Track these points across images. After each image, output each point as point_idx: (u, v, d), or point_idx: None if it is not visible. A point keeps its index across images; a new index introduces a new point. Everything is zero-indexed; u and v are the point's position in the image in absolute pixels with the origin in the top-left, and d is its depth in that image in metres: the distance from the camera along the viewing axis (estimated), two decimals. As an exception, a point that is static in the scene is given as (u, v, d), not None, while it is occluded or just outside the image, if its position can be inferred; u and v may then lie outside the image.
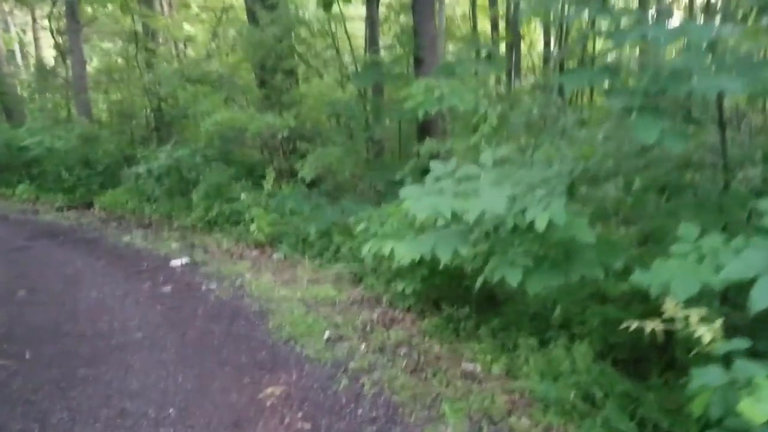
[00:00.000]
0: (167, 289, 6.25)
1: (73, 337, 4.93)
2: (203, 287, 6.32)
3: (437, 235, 3.64)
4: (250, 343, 4.78)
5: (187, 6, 16.84)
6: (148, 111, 13.11)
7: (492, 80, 7.17)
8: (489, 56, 7.94)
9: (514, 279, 3.40)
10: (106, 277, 6.77)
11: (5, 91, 14.74)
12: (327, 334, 4.86)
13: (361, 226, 6.04)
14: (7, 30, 21.41)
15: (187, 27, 16.12)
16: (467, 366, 4.10)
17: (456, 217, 3.19)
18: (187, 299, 5.94)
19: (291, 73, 9.69)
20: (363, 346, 4.60)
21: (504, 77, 8.05)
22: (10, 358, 4.49)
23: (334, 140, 8.80)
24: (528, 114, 5.18)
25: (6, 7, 20.11)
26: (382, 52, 9.59)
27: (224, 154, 9.97)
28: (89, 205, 10.93)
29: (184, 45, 15.97)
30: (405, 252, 4.06)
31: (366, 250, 5.18)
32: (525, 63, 12.50)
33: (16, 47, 21.68)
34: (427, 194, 3.34)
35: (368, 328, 5.01)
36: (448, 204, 3.16)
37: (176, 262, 7.22)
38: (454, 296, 4.97)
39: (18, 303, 5.90)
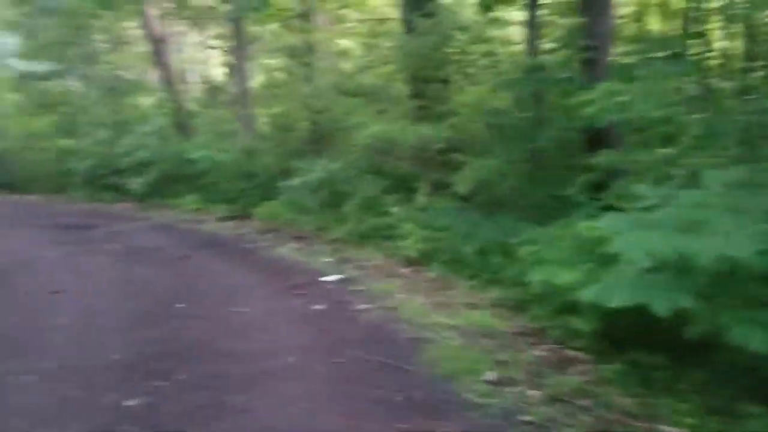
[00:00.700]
0: (319, 307, 6.02)
1: (225, 357, 4.78)
2: (355, 307, 6.02)
3: (647, 281, 2.96)
4: (404, 377, 4.34)
5: (343, 20, 17.09)
6: (306, 124, 13.31)
7: (679, 83, 6.27)
8: (677, 55, 6.99)
9: (761, 344, 2.62)
10: (260, 291, 6.70)
11: (178, 107, 15.71)
12: (491, 374, 4.30)
13: (527, 248, 5.43)
14: (180, 51, 23.10)
15: (342, 40, 16.33)
16: (668, 430, 3.36)
17: (678, 258, 2.52)
18: (338, 320, 5.66)
19: (446, 81, 9.27)
20: (534, 392, 3.99)
21: (694, 79, 7.08)
22: (163, 378, 4.40)
23: (491, 151, 8.24)
24: (739, 122, 4.31)
25: (180, 30, 21.67)
26: (544, 57, 8.89)
27: (375, 166, 9.77)
28: (247, 217, 11.21)
29: (340, 58, 16.15)
30: (597, 295, 3.42)
31: (534, 277, 4.57)
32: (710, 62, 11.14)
33: (188, 66, 23.30)
34: (637, 227, 2.70)
35: (538, 370, 4.39)
36: (668, 243, 2.50)
37: (328, 278, 7.02)
38: (643, 338, 4.20)
39: (175, 316, 5.93)
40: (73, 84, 18.98)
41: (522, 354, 4.70)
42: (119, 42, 19.32)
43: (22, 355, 5.01)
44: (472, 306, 5.90)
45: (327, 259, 7.92)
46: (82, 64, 18.39)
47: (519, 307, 5.73)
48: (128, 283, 7.29)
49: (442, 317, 5.57)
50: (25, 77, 19.69)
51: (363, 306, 6.01)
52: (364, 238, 8.45)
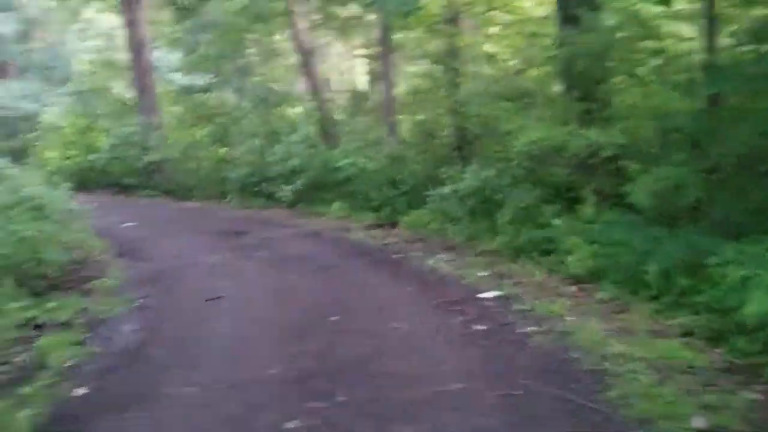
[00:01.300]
0: (480, 327, 5.53)
1: (385, 379, 4.43)
2: (519, 329, 5.47)
3: None
4: (592, 418, 3.74)
5: (491, 23, 16.55)
6: (451, 131, 12.91)
7: None
8: None
9: None
10: (414, 306, 6.33)
11: (324, 115, 15.91)
12: (699, 419, 3.60)
13: (732, 269, 4.61)
14: (326, 60, 23.65)
15: (490, 44, 15.80)
16: None
17: None
18: (502, 343, 5.14)
19: (610, 82, 8.47)
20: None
21: None
22: (322, 399, 4.11)
23: (667, 158, 7.33)
24: None
25: (326, 40, 22.16)
26: (725, 53, 7.83)
27: (532, 174, 9.12)
28: (394, 225, 10.96)
29: (488, 62, 15.62)
30: None
31: (751, 306, 3.80)
32: None
33: (333, 76, 23.78)
34: None
35: (757, 417, 3.63)
36: None
37: (486, 295, 6.52)
38: None
39: (329, 329, 5.70)
40: (228, 96, 19.95)
41: (732, 396, 3.94)
42: (270, 55, 20.06)
43: (182, 365, 4.97)
44: (657, 334, 5.15)
45: (481, 273, 7.41)
46: (236, 77, 19.28)
47: (716, 337, 4.92)
48: (280, 291, 7.22)
49: (624, 346, 4.87)
50: (186, 90, 21.02)
51: (529, 328, 5.44)
52: (520, 252, 7.85)
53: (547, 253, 7.57)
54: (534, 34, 12.43)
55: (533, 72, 11.74)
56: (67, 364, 5.02)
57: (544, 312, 5.84)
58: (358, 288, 7.22)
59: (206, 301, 6.82)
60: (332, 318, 5.99)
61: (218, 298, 6.89)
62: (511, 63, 14.02)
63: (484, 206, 9.08)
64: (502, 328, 5.50)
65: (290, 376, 4.60)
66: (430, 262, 8.21)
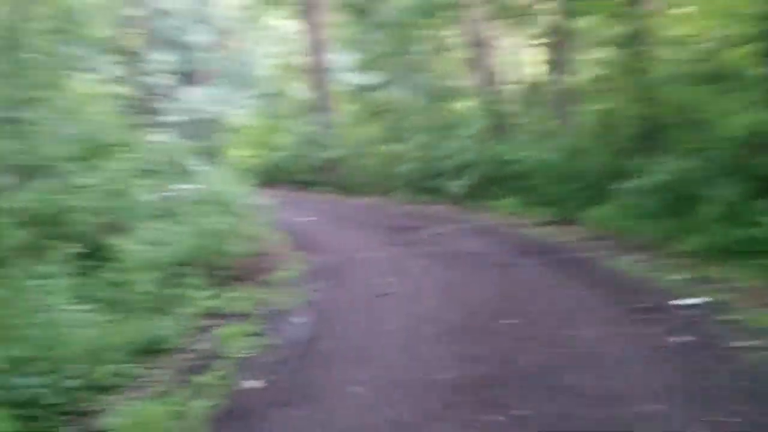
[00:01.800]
0: (679, 339, 4.80)
1: (571, 394, 3.93)
2: (728, 343, 4.67)
3: None
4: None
5: (681, 2, 14.99)
6: (637, 119, 11.79)
7: None
8: None
9: None
10: (601, 312, 5.70)
11: (495, 108, 15.39)
12: None
13: None
14: (497, 52, 22.97)
15: (678, 26, 14.30)
16: None
17: None
18: (709, 359, 4.39)
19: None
20: None
21: None
22: (499, 411, 3.72)
23: None
24: None
25: (498, 32, 21.51)
26: None
27: (737, 165, 7.95)
28: (571, 222, 10.21)
29: (678, 44, 14.13)
30: None
31: None
32: None
33: (505, 67, 23.05)
34: None
35: None
36: None
37: (684, 302, 5.71)
38: None
39: (502, 333, 5.29)
40: (399, 92, 20.08)
41: None
42: (440, 49, 19.88)
43: (351, 361, 4.84)
44: None
45: (678, 277, 6.55)
46: (406, 74, 19.33)
47: None
48: (450, 289, 6.92)
49: None
50: (360, 89, 21.52)
51: (742, 343, 4.62)
52: (726, 253, 6.84)
53: (758, 255, 6.52)
54: (730, 12, 10.97)
55: (732, 52, 10.34)
56: (242, 354, 5.10)
57: (760, 324, 4.96)
58: (535, 289, 6.72)
59: (376, 296, 6.71)
60: (507, 321, 5.56)
61: (388, 294, 6.74)
62: (705, 44, 12.54)
63: (678, 201, 8.09)
64: (707, 342, 4.73)
65: (461, 382, 4.26)
66: (617, 262, 7.46)
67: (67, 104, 12.35)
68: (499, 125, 14.98)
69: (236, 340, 5.41)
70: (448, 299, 6.49)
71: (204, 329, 5.87)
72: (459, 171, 13.59)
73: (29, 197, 3.61)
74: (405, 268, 8.02)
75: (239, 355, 5.09)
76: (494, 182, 13.02)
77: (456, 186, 13.44)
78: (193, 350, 5.30)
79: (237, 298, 6.78)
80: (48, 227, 4.15)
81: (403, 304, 6.40)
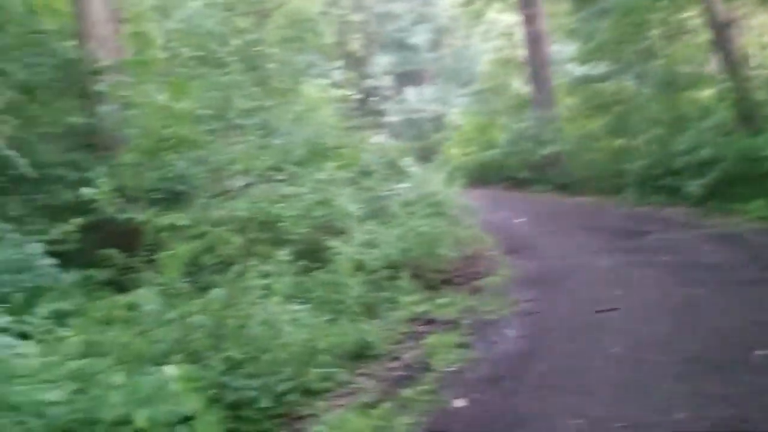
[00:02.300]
0: None
1: None
2: None
3: None
4: None
5: None
6: None
7: None
8: None
9: None
10: None
11: (743, 96, 13.43)
12: None
13: None
14: (745, 33, 20.18)
15: None
16: None
17: None
18: None
19: None
20: None
21: None
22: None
23: None
24: None
25: (746, 11, 18.87)
26: None
27: None
28: None
29: None
30: None
31: None
32: None
33: (755, 49, 20.17)
34: None
35: None
36: None
37: None
38: None
39: (757, 368, 4.38)
40: (627, 83, 18.54)
41: None
42: (676, 33, 17.95)
43: (568, 389, 4.34)
44: None
45: None
46: (637, 62, 17.76)
47: None
48: (686, 309, 6.01)
49: None
50: (581, 81, 20.29)
51: None
52: None
53: None
54: None
55: None
56: (450, 368, 4.87)
57: None
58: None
59: (596, 312, 6.06)
60: (758, 352, 4.63)
61: (611, 310, 6.05)
62: None
63: None
64: None
65: (702, 427, 3.57)
66: None
67: (298, 110, 13.28)
68: (747, 116, 13.04)
69: (443, 351, 5.20)
70: (684, 321, 5.62)
71: (411, 336, 5.75)
72: (697, 168, 12.04)
73: (247, 203, 3.74)
74: (630, 280, 7.19)
75: (448, 369, 4.86)
76: (741, 181, 11.31)
77: (693, 186, 11.93)
78: (399, 358, 5.19)
79: (445, 304, 6.60)
80: (266, 229, 4.27)
81: (628, 323, 5.69)
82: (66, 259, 5.19)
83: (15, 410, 2.53)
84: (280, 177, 6.10)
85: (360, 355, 5.21)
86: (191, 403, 3.41)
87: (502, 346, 5.38)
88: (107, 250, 5.79)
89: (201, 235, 3.82)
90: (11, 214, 4.93)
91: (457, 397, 4.29)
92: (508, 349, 5.30)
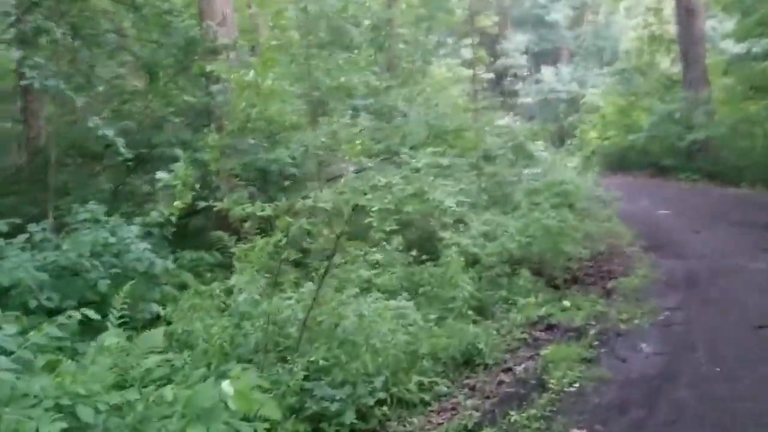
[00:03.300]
0: None
1: None
2: None
3: None
4: None
5: None
6: None
7: None
8: None
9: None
10: None
11: None
12: None
13: None
14: None
15: None
16: None
17: None
18: None
19: None
20: None
21: None
22: None
23: None
24: None
25: None
26: None
27: None
28: None
29: None
30: None
31: None
32: None
33: None
34: None
35: None
36: None
37: None
38: None
39: None
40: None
41: None
42: None
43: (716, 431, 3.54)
44: None
45: None
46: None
47: None
48: None
49: None
50: (738, 59, 18.09)
51: None
52: None
53: None
54: None
55: None
56: (570, 387, 4.18)
57: None
58: None
59: (758, 328, 5.07)
60: None
61: (770, 327, 5.05)
62: None
63: None
64: None
65: None
66: None
67: (424, 91, 12.80)
68: None
69: (563, 365, 4.50)
70: None
71: (527, 343, 5.10)
72: None
73: (333, 194, 3.34)
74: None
75: (566, 388, 4.18)
76: None
77: None
78: (511, 370, 4.57)
79: (570, 307, 5.86)
80: (353, 223, 3.84)
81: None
82: (167, 243, 5.08)
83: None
84: (393, 161, 5.64)
85: (467, 362, 4.66)
86: (269, 411, 3.07)
87: (634, 364, 4.59)
88: (216, 233, 5.68)
89: (285, 227, 3.46)
90: (109, 196, 4.89)
91: (574, 427, 3.63)
92: (641, 368, 4.51)
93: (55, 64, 5.31)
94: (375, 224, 3.53)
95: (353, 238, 4.06)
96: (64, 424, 2.09)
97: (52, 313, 3.59)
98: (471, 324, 5.09)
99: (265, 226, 3.56)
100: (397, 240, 5.89)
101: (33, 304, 3.65)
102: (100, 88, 7.07)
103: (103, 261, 4.16)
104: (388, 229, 4.02)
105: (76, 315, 2.78)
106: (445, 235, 6.01)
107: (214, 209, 4.01)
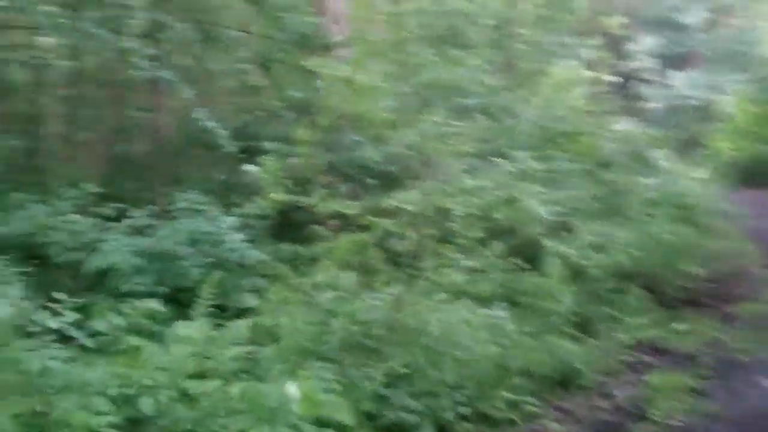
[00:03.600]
0: None
1: None
2: None
3: None
4: None
5: None
6: None
7: None
8: None
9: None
10: None
11: None
12: None
13: None
14: None
15: None
16: None
17: None
18: None
19: None
20: None
21: None
22: None
23: None
24: None
25: None
26: None
27: None
28: None
29: None
30: None
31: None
32: None
33: None
34: None
35: None
36: None
37: None
38: None
39: None
40: None
41: None
42: None
43: None
44: None
45: None
46: None
47: None
48: None
49: None
50: None
51: None
52: None
53: None
54: None
55: None
56: (674, 421, 3.79)
57: None
58: None
59: None
60: None
61: None
62: None
63: None
64: None
65: None
66: None
67: (541, 92, 12.34)
68: None
69: (669, 395, 4.10)
70: None
71: (631, 367, 4.71)
72: None
73: (419, 195, 3.17)
74: None
75: (670, 421, 3.79)
76: None
77: None
78: (610, 396, 4.22)
79: (683, 331, 5.36)
80: (438, 227, 3.68)
81: None
82: (265, 235, 5.13)
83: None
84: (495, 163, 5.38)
85: (562, 382, 4.34)
86: (342, 415, 2.98)
87: (751, 400, 4.11)
88: (315, 228, 5.69)
89: (370, 227, 3.35)
90: (212, 186, 5.01)
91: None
92: (759, 405, 4.03)
93: (172, 57, 5.52)
94: (460, 230, 3.34)
95: (444, 241, 3.89)
96: (111, 418, 2.08)
97: (142, 297, 3.70)
98: (570, 341, 4.76)
99: (353, 225, 3.47)
100: (496, 245, 5.62)
101: (125, 288, 3.79)
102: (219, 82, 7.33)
103: (199, 250, 4.25)
104: (472, 236, 3.82)
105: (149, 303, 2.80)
106: (548, 243, 5.67)
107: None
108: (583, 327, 5.21)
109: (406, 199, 3.11)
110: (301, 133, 3.89)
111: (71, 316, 2.83)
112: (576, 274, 5.68)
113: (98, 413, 2.07)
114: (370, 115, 4.01)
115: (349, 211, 3.39)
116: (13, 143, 7.11)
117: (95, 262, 3.80)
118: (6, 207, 4.31)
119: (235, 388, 2.54)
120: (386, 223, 3.33)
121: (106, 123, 8.92)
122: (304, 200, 3.46)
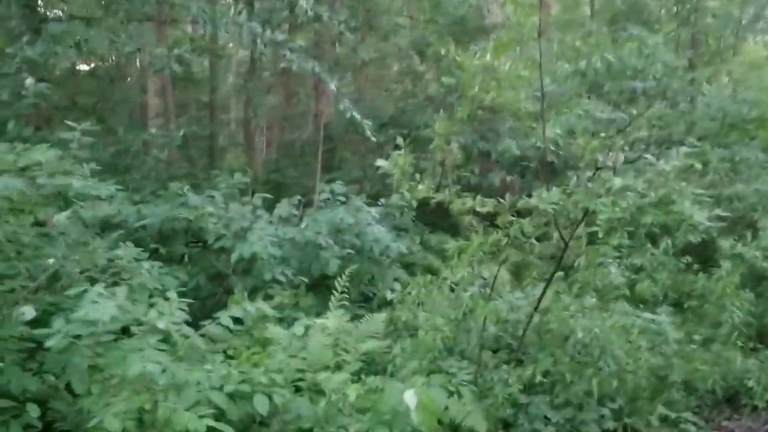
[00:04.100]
0: None
1: None
2: None
3: None
4: None
5: None
6: None
7: None
8: None
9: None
10: None
11: None
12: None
13: None
14: None
15: None
16: None
17: None
18: None
19: None
20: None
21: None
22: None
23: None
24: None
25: None
26: None
27: None
28: None
29: None
30: None
31: None
32: None
33: None
34: None
35: None
36: None
37: None
38: None
39: None
40: None
41: None
42: None
43: None
44: None
45: None
46: None
47: None
48: None
49: None
50: None
51: None
52: None
53: None
54: None
55: None
56: None
57: None
58: None
59: None
60: None
61: None
62: None
63: None
64: None
65: None
66: None
67: (733, 71, 11.06)
68: None
69: None
70: None
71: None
72: None
73: (559, 194, 2.89)
74: None
75: None
76: None
77: None
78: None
79: None
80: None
81: None
82: (412, 226, 5.07)
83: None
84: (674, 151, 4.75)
85: (729, 399, 3.84)
86: (475, 421, 2.83)
87: None
88: (467, 219, 5.51)
89: (510, 225, 3.15)
90: (358, 176, 5.02)
91: None
92: None
93: (324, 47, 5.63)
94: (600, 235, 3.01)
95: (592, 243, 3.56)
96: (210, 421, 2.11)
97: (284, 286, 3.80)
98: (743, 354, 4.18)
99: (494, 220, 3.28)
100: (666, 242, 5.08)
101: (268, 276, 3.92)
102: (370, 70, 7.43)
103: (341, 240, 4.29)
104: (616, 243, 3.45)
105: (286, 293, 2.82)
106: (723, 243, 5.02)
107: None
108: (760, 339, 4.57)
109: (545, 197, 2.86)
110: (439, 125, 3.75)
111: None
112: (756, 278, 4.99)
113: (200, 416, 2.12)
114: (513, 107, 3.76)
115: (483, 209, 3.21)
116: (191, 130, 7.70)
117: (240, 251, 3.97)
118: (171, 195, 4.61)
119: (363, 386, 2.50)
120: (525, 223, 3.11)
121: (278, 111, 9.42)
122: (438, 196, 3.33)
